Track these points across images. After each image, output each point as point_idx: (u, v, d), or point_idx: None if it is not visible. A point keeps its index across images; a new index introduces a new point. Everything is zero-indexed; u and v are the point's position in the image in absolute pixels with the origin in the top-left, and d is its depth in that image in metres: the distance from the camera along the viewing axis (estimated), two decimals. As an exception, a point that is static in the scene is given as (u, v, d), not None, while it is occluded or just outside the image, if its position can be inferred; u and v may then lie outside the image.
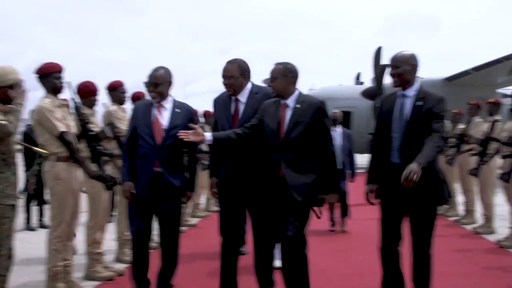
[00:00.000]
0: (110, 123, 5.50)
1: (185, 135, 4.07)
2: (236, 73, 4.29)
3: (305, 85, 22.19)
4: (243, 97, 4.35)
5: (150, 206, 4.38)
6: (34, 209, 8.57)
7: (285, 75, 4.08)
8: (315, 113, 4.03)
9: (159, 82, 4.34)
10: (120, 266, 5.81)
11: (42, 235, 5.92)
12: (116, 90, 6.01)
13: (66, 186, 4.54)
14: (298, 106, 4.06)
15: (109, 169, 5.37)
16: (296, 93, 4.13)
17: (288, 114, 4.07)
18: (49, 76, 4.58)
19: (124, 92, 6.08)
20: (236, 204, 4.34)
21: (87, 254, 5.44)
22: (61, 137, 4.46)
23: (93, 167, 4.71)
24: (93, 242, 5.42)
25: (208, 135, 4.14)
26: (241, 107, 4.34)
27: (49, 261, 4.68)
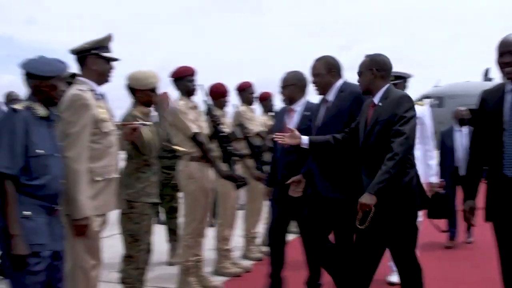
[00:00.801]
0: (239, 124, 5.63)
1: (281, 138, 3.93)
2: (322, 70, 4.04)
3: (430, 82, 21.40)
4: (331, 96, 4.05)
5: (283, 208, 4.45)
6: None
7: (370, 68, 3.62)
8: (393, 109, 3.45)
9: (284, 84, 4.37)
10: (247, 263, 5.96)
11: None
12: (245, 91, 6.12)
13: (198, 185, 4.71)
14: (380, 104, 3.56)
15: (239, 169, 5.49)
16: (383, 89, 3.60)
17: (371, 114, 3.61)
18: (183, 79, 4.77)
19: (252, 93, 6.18)
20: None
21: (216, 250, 5.62)
22: (194, 138, 4.63)
23: (224, 167, 4.84)
24: (222, 239, 5.59)
25: (305, 139, 3.89)
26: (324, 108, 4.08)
27: (181, 257, 4.89)
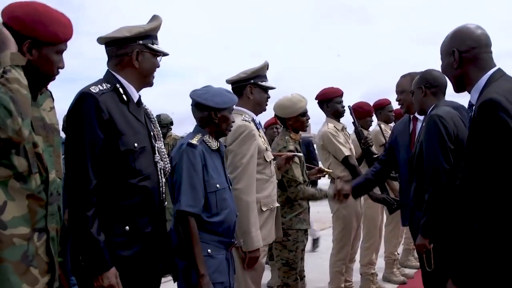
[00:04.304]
0: (383, 144, 5.43)
1: None
2: (407, 87, 3.73)
3: None
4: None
5: None
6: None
7: (419, 86, 3.37)
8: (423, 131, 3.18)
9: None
10: (391, 287, 5.72)
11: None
12: (383, 109, 5.91)
13: (350, 209, 4.59)
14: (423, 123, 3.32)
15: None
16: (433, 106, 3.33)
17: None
18: (331, 101, 4.69)
19: (391, 110, 5.95)
20: None
21: (362, 274, 5.44)
22: (346, 161, 4.51)
23: (376, 189, 4.68)
24: (368, 263, 5.41)
25: None
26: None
27: (332, 282, 4.77)
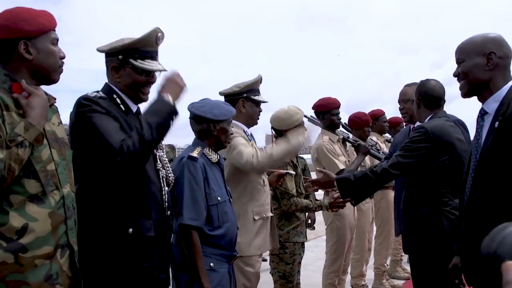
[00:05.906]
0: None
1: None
2: (413, 96, 3.59)
3: None
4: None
5: None
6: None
7: (415, 97, 3.32)
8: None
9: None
10: (381, 298, 5.69)
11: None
12: (378, 120, 5.88)
13: (345, 221, 4.57)
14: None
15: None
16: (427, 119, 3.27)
17: None
18: (328, 112, 4.63)
19: (386, 121, 5.93)
20: None
21: (353, 286, 5.44)
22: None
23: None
24: (359, 275, 5.40)
25: None
26: None
27: (325, 295, 4.73)
